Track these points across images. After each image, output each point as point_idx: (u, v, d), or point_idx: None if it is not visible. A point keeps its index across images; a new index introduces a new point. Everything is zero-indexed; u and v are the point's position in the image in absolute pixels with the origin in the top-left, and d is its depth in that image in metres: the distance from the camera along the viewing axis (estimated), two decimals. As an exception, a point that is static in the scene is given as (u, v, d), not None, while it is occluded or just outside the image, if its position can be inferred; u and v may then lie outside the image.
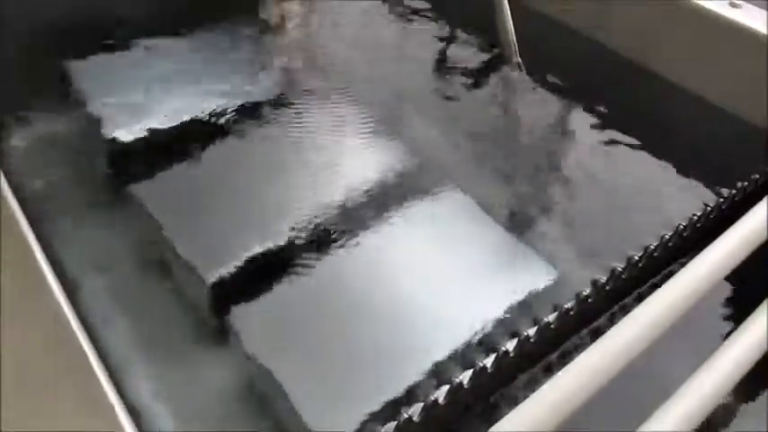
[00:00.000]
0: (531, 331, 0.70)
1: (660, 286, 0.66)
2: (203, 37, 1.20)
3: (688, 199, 1.06)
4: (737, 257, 0.71)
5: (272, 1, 1.33)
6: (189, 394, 0.78)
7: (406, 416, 0.59)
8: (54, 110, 1.08)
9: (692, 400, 0.59)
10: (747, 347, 0.65)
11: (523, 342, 0.69)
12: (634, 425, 0.58)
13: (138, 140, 0.99)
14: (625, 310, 0.66)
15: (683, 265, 0.69)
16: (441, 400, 0.62)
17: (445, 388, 0.63)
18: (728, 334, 0.68)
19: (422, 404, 0.61)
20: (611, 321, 0.65)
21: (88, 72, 1.08)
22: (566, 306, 0.72)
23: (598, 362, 0.59)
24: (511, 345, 0.69)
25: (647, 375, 0.70)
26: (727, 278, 0.70)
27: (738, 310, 0.73)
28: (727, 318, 0.89)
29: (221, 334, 0.81)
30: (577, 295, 0.73)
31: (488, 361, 0.67)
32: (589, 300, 0.74)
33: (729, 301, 0.91)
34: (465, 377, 0.65)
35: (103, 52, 1.12)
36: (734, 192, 0.89)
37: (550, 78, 1.27)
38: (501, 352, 0.67)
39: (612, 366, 0.59)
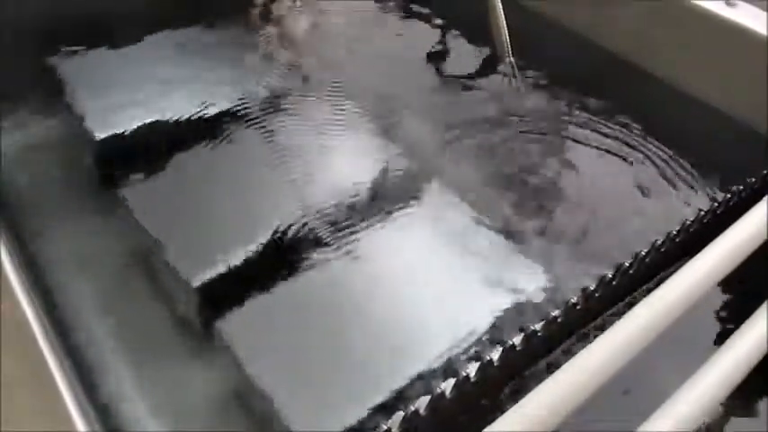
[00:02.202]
0: (518, 340, 0.69)
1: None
2: (194, 36, 1.18)
3: (682, 203, 1.05)
4: (736, 259, 0.69)
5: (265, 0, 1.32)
6: (173, 401, 0.76)
7: (384, 427, 0.58)
8: (39, 108, 1.06)
9: (688, 403, 0.58)
10: (746, 350, 0.64)
11: (508, 351, 0.68)
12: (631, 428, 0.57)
13: (124, 141, 0.97)
14: (616, 318, 0.64)
15: (676, 270, 0.67)
16: (422, 411, 0.61)
17: (426, 398, 0.62)
18: (727, 337, 0.67)
19: (402, 415, 0.60)
20: (601, 329, 0.63)
21: (75, 70, 1.06)
22: (553, 314, 0.70)
23: (593, 364, 0.58)
24: (496, 353, 0.68)
25: (644, 380, 0.69)
26: (726, 281, 0.69)
27: (738, 314, 0.71)
28: (725, 321, 0.88)
29: (207, 338, 0.79)
30: (565, 303, 0.72)
31: (472, 369, 0.65)
32: (577, 307, 0.73)
33: (727, 305, 0.90)
34: (448, 386, 0.64)
35: (91, 50, 1.10)
36: (728, 196, 0.87)
37: (544, 79, 1.26)
38: (485, 360, 0.66)
39: (607, 369, 0.58)
